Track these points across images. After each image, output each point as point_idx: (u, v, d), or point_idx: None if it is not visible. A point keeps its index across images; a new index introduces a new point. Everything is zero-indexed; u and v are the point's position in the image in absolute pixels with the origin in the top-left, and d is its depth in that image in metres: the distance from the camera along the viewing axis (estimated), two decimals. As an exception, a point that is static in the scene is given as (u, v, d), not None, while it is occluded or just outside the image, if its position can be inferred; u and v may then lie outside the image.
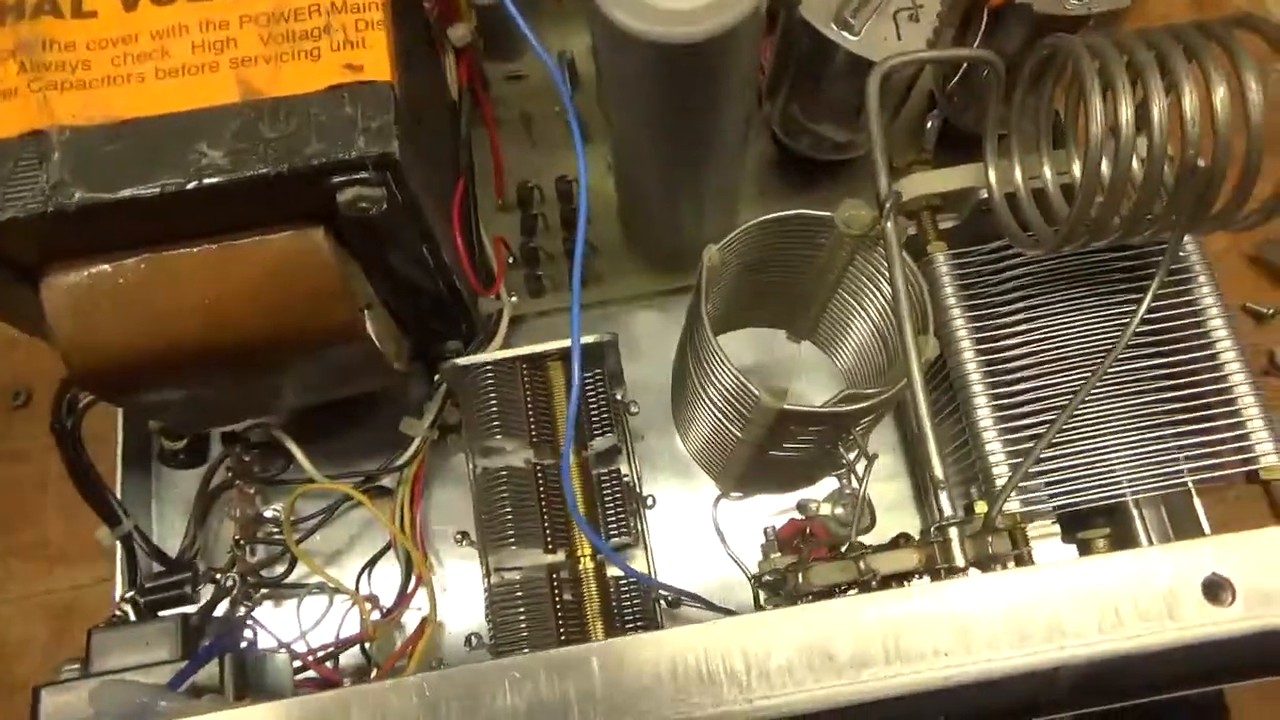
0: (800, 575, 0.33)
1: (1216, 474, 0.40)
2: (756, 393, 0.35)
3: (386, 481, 0.52)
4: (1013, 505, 0.39)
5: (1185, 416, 0.40)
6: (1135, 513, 0.43)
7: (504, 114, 0.58)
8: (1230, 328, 0.41)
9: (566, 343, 0.46)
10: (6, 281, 0.36)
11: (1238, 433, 0.40)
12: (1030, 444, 0.40)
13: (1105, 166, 0.34)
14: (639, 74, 0.36)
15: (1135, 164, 0.34)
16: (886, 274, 0.39)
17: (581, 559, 0.44)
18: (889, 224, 0.35)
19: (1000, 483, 0.39)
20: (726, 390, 0.37)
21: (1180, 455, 0.40)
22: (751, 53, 0.37)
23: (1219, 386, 0.40)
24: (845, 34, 0.42)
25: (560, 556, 0.44)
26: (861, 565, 0.32)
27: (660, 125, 0.39)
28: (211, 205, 0.34)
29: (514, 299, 0.54)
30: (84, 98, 0.34)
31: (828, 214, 0.39)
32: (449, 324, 0.50)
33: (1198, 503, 0.47)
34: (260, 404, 0.47)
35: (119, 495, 0.50)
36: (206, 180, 0.33)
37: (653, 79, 0.36)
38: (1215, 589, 0.26)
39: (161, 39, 0.35)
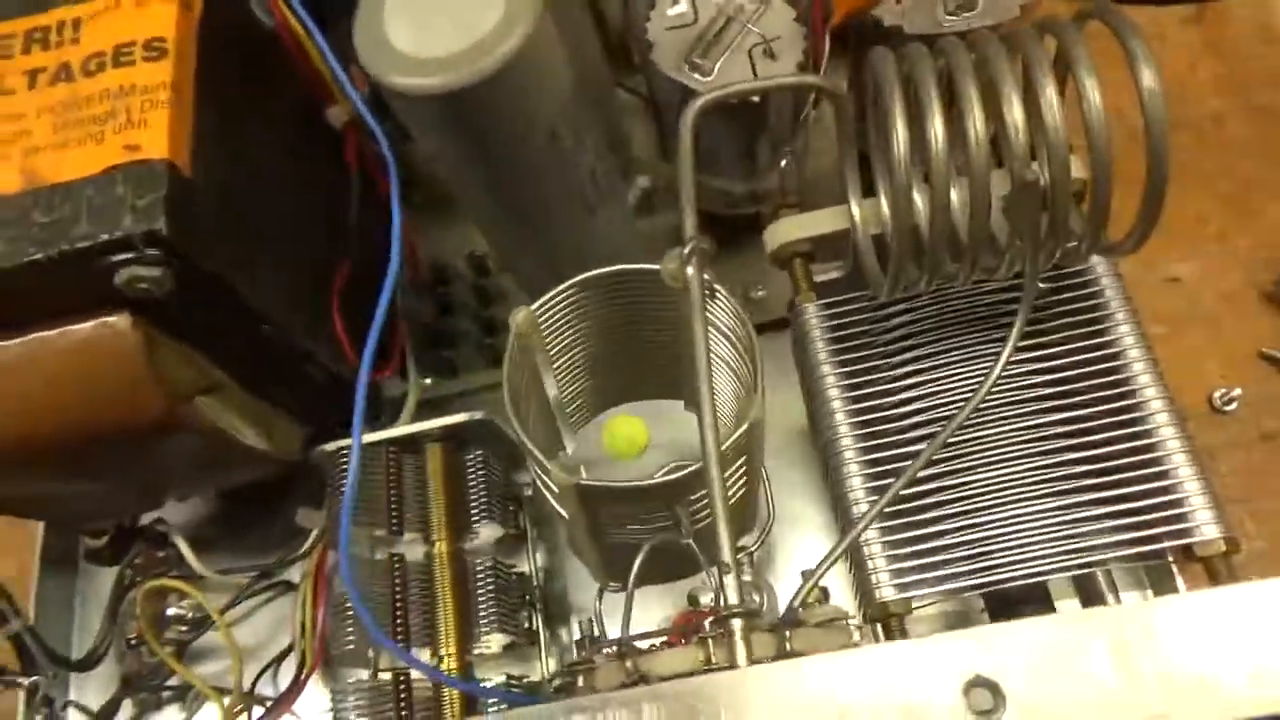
0: (581, 679, 0.29)
1: (1143, 549, 0.33)
2: (548, 466, 0.31)
3: (296, 575, 0.50)
4: (888, 592, 0.33)
5: (1103, 480, 0.34)
6: (1106, 589, 0.37)
7: (430, 194, 0.57)
8: (1155, 373, 0.34)
9: (432, 423, 0.44)
10: None
11: (1168, 498, 0.33)
12: (922, 516, 0.34)
13: (916, 195, 0.29)
14: (418, 129, 0.34)
15: (961, 187, 0.29)
16: (726, 328, 0.35)
17: (446, 658, 0.41)
18: (689, 269, 0.31)
19: (872, 564, 0.33)
20: (534, 467, 0.33)
21: (1098, 528, 0.33)
22: (550, 102, 0.34)
23: (1144, 443, 0.34)
24: (696, 75, 0.39)
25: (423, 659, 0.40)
26: (630, 665, 0.27)
27: (469, 182, 0.37)
28: (3, 296, 0.34)
29: (427, 381, 0.52)
30: (-120, 197, 0.34)
31: (655, 267, 0.35)
32: (342, 409, 0.48)
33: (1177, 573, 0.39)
34: (141, 496, 0.46)
35: (34, 593, 0.50)
36: (-17, 269, 0.33)
37: (426, 132, 0.34)
38: (979, 694, 0.21)
39: (-38, 135, 0.35)
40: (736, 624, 0.26)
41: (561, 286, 0.35)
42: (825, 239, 0.38)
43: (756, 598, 0.42)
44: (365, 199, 0.51)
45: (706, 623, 0.27)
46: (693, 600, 0.42)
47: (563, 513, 0.34)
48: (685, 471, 0.30)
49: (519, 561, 0.46)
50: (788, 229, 0.38)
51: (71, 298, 0.35)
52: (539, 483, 0.34)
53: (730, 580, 0.27)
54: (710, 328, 0.36)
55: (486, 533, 0.44)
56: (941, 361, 0.36)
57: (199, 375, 0.40)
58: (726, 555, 0.27)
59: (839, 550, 0.31)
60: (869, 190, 0.37)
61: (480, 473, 0.44)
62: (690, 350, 0.31)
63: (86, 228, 0.33)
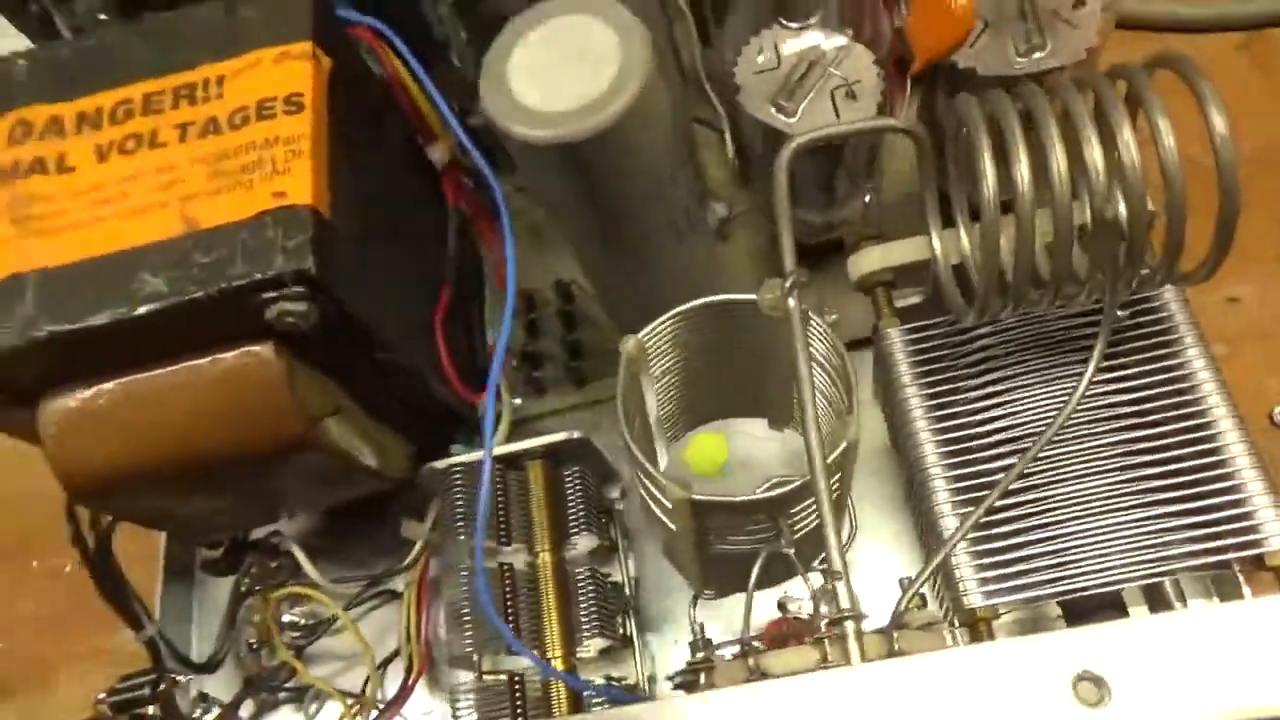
0: (702, 676, 0.31)
1: (1214, 559, 0.35)
2: (663, 483, 0.34)
3: (400, 584, 0.53)
4: (975, 599, 0.35)
5: (1177, 494, 0.36)
6: (1174, 597, 0.39)
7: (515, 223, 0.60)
8: (1224, 393, 0.37)
9: (534, 442, 0.47)
10: (7, 406, 0.40)
11: (1239, 510, 0.35)
12: (1006, 529, 0.36)
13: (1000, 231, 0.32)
14: (534, 173, 0.37)
15: (1044, 221, 0.32)
16: (824, 354, 0.38)
17: (553, 660, 0.43)
18: (791, 301, 0.34)
19: (959, 572, 0.36)
20: (646, 483, 0.36)
21: (1172, 539, 0.35)
22: (654, 148, 0.37)
23: (1215, 459, 0.36)
24: (781, 116, 0.42)
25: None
26: (751, 664, 0.30)
27: (575, 219, 0.40)
28: (165, 329, 0.37)
29: (518, 401, 0.55)
30: (56, 242, 0.38)
31: (751, 297, 0.37)
32: (448, 426, 0.52)
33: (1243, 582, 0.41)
34: (260, 511, 0.49)
35: (159, 601, 0.54)
36: (149, 306, 0.36)
37: (542, 176, 0.37)
38: (1086, 687, 0.23)
39: (124, 184, 0.39)
40: (850, 626, 0.29)
41: (666, 315, 0.38)
42: (906, 267, 0.41)
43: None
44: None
45: (823, 624, 0.29)
46: (781, 606, 0.44)
47: (671, 525, 0.37)
48: (791, 486, 0.33)
49: (611, 571, 0.49)
50: (871, 259, 0.40)
51: (223, 330, 0.38)
52: (647, 497, 0.37)
53: (842, 586, 0.30)
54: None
55: (584, 543, 0.47)
56: (1021, 382, 0.38)
57: (328, 399, 0.43)
58: (838, 563, 0.30)
59: (939, 560, 0.33)
60: (945, 221, 0.40)
61: (578, 487, 0.47)
62: (786, 374, 0.34)
63: (242, 267, 0.36)
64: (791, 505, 0.35)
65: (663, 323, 0.38)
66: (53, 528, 0.46)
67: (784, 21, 0.40)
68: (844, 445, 0.34)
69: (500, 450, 0.47)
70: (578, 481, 0.47)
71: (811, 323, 0.37)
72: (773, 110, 0.42)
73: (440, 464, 0.47)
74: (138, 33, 0.42)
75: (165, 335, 0.38)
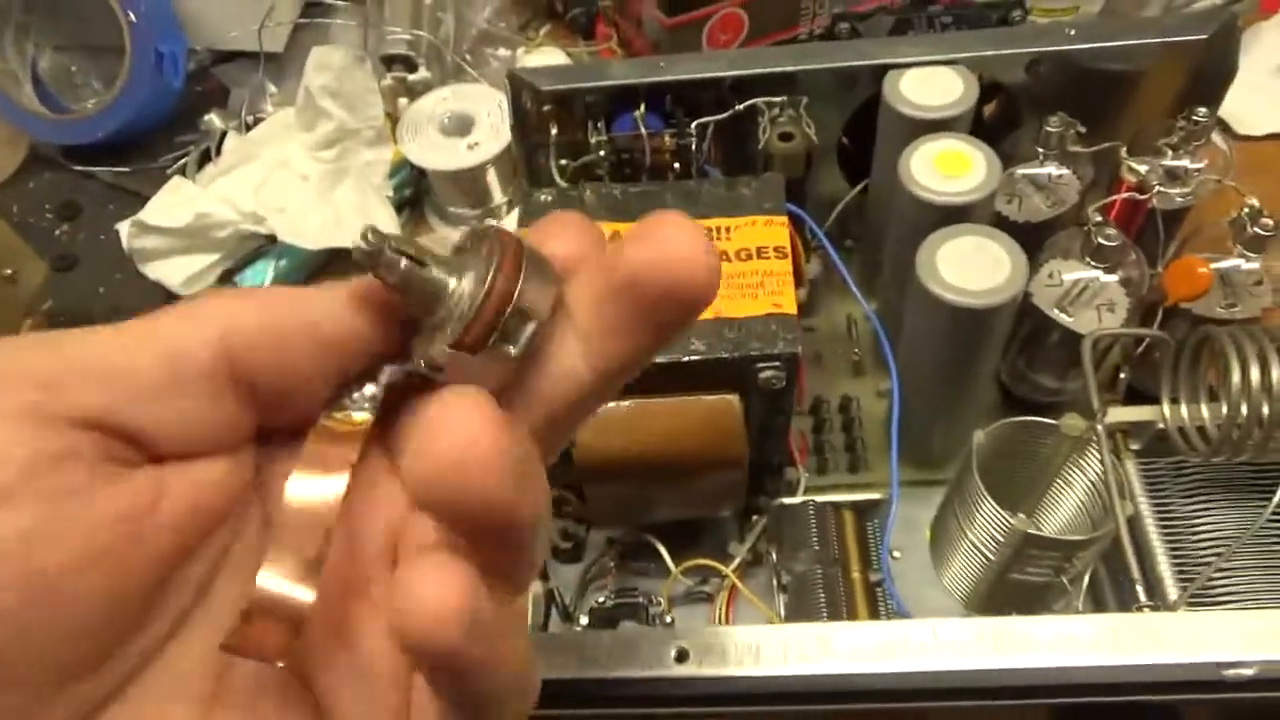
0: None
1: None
2: (1011, 521, 0.52)
3: (709, 588, 0.70)
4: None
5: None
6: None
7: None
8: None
9: (853, 497, 0.65)
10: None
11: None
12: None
13: (1243, 409, 0.51)
14: (938, 327, 0.57)
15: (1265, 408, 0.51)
16: (1093, 468, 0.57)
17: (861, 645, 0.60)
18: (1100, 426, 0.53)
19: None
20: (988, 521, 0.54)
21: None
22: (1007, 325, 0.58)
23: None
24: (1063, 315, 0.62)
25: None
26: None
27: (940, 362, 0.60)
28: (694, 373, 0.56)
29: (807, 474, 0.73)
30: (627, 308, 0.58)
31: (1055, 421, 0.57)
32: (770, 480, 0.70)
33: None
34: (676, 507, 0.66)
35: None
36: (692, 357, 0.56)
37: (944, 331, 0.57)
38: None
39: (669, 281, 0.59)
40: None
41: (1001, 423, 0.57)
42: (1137, 425, 0.60)
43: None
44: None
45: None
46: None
47: (990, 556, 0.55)
48: (1104, 531, 0.51)
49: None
50: (1119, 414, 0.60)
51: (720, 380, 0.57)
52: (982, 528, 0.55)
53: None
54: (1082, 465, 0.58)
55: (873, 575, 0.64)
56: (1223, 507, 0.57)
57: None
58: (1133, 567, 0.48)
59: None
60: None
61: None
62: (1044, 476, 0.52)
63: (755, 345, 0.56)
64: (1083, 548, 0.53)
65: (999, 427, 0.57)
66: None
67: (1091, 262, 0.61)
68: (1109, 528, 0.52)
69: (829, 498, 0.65)
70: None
71: (1091, 446, 0.56)
72: (1056, 311, 0.63)
73: (788, 500, 0.65)
74: (668, 190, 0.64)
75: (691, 375, 0.57)
